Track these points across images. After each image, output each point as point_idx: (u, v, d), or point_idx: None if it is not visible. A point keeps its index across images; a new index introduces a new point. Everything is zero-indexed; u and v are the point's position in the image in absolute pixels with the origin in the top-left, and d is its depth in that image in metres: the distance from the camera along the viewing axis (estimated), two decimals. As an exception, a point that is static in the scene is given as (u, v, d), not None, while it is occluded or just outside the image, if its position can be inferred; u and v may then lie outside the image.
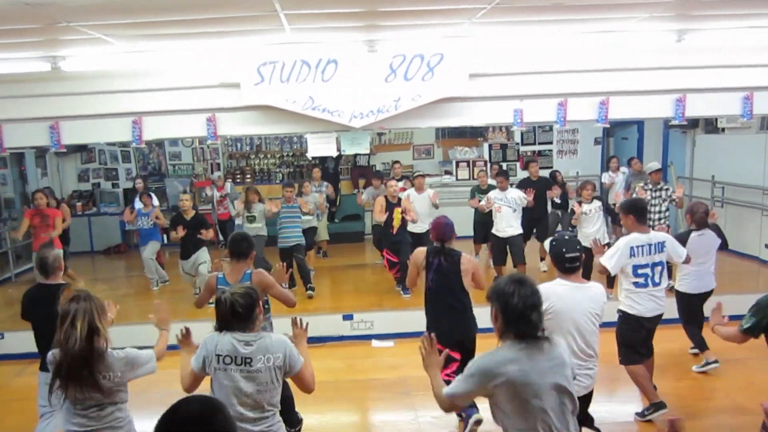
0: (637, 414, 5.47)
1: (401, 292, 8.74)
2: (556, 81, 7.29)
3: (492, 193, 9.00)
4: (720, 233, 6.41)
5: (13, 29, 5.30)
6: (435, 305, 5.17)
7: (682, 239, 5.99)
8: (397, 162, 11.26)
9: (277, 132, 10.80)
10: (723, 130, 10.92)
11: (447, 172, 13.36)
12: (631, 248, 5.15)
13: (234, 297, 3.33)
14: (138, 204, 10.07)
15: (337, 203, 12.96)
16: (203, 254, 8.79)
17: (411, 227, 8.95)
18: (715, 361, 6.24)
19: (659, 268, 5.23)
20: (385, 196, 8.85)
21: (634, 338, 5.30)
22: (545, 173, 10.85)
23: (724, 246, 6.48)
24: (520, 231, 8.92)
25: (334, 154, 8.16)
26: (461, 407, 3.36)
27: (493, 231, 9.04)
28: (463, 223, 10.53)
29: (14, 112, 7.13)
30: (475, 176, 10.70)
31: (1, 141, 7.28)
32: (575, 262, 4.05)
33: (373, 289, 9.10)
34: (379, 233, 9.88)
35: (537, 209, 9.72)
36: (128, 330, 7.23)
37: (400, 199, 8.76)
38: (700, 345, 6.32)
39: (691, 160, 11.80)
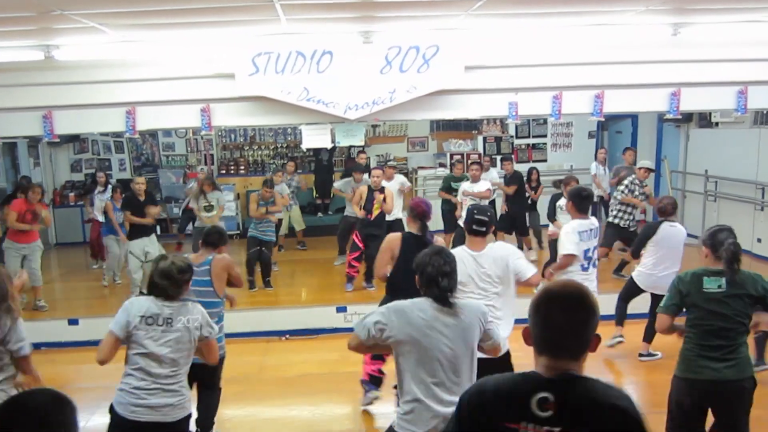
0: None
1: (364, 284, 8.79)
2: (551, 74, 7.29)
3: (464, 186, 9.24)
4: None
5: (7, 17, 5.26)
6: (408, 293, 5.09)
7: (653, 227, 6.30)
8: (362, 151, 11.53)
9: (271, 123, 10.78)
10: (717, 124, 10.93)
11: (441, 165, 13.35)
12: (579, 233, 5.40)
13: (174, 262, 3.60)
14: (98, 199, 10.07)
15: (331, 195, 12.95)
16: (153, 245, 8.67)
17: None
18: (621, 336, 6.52)
19: (595, 251, 5.53)
20: (369, 186, 8.88)
21: None
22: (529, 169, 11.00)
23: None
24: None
25: (329, 145, 8.13)
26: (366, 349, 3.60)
27: (460, 222, 8.91)
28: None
29: (7, 101, 7.07)
30: (468, 170, 10.73)
31: (-6, 130, 7.23)
32: (482, 225, 4.26)
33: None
34: (345, 226, 9.97)
35: (515, 204, 10.00)
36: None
37: (383, 188, 8.80)
38: (620, 318, 6.57)
39: (685, 155, 11.82)
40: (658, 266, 6.30)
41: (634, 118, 12.73)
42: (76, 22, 5.47)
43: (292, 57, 6.92)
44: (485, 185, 9.27)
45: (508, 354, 4.26)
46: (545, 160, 13.71)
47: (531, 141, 13.81)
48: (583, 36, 6.92)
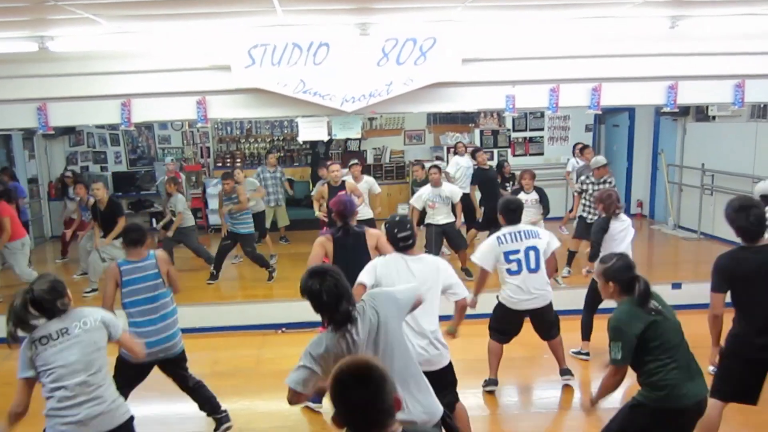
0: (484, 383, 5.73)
1: None
2: (548, 67, 7.26)
3: (426, 193, 8.80)
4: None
5: (0, 7, 5.22)
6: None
7: (602, 225, 6.13)
8: (355, 165, 10.98)
9: (267, 115, 10.72)
10: (713, 118, 10.94)
11: (438, 158, 13.33)
12: (497, 238, 5.42)
13: (40, 293, 3.39)
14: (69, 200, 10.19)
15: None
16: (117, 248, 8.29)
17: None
18: (587, 353, 6.37)
19: (533, 252, 5.35)
20: (327, 182, 8.69)
21: (499, 320, 5.61)
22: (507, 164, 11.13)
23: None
24: (454, 218, 8.82)
25: (325, 138, 8.10)
26: (307, 398, 3.42)
27: (427, 221, 8.88)
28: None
29: (1, 93, 7.02)
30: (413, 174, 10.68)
31: (-12, 122, 7.19)
32: (408, 240, 4.27)
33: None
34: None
35: (489, 202, 9.52)
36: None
37: (344, 182, 8.63)
38: (586, 331, 6.39)
39: (682, 148, 11.82)
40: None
41: (631, 111, 12.73)
42: (70, 12, 5.43)
43: (289, 49, 6.88)
44: (449, 189, 8.84)
45: (450, 365, 4.33)
46: (542, 154, 13.71)
47: (528, 134, 13.81)
48: (581, 29, 6.89)
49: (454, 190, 8.86)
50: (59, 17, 5.66)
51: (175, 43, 6.86)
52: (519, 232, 5.39)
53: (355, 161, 10.08)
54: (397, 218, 4.43)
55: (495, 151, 13.57)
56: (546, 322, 5.62)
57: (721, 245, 10.21)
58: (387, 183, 13.24)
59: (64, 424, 3.36)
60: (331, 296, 3.10)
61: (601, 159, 8.78)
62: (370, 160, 13.61)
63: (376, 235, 5.16)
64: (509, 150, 13.64)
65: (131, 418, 3.61)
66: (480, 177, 10.03)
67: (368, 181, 9.73)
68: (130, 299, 4.72)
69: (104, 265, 8.19)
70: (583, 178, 8.82)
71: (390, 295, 3.39)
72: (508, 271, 5.41)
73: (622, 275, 3.64)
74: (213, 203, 12.42)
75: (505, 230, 5.43)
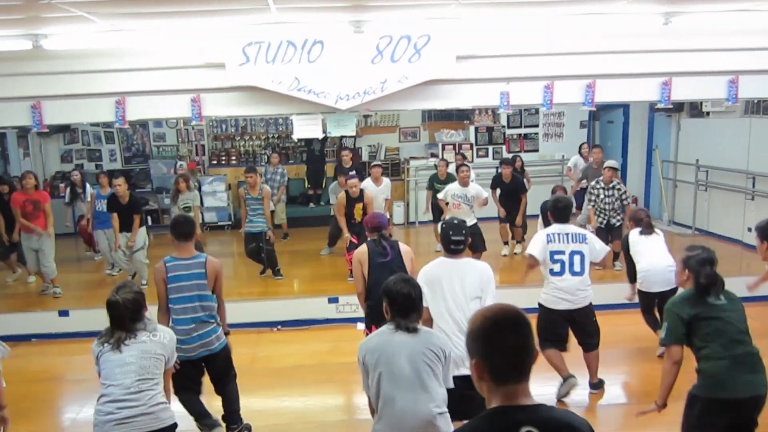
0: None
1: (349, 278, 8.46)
2: (542, 63, 7.28)
3: (453, 190, 8.85)
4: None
5: (-7, 6, 5.21)
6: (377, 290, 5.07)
7: (625, 241, 6.40)
8: (346, 148, 11.38)
9: (262, 113, 10.73)
10: (708, 114, 10.96)
11: (433, 155, 13.34)
12: (548, 235, 5.43)
13: (123, 303, 3.56)
14: (88, 189, 10.26)
15: (323, 186, 12.92)
16: (141, 238, 8.68)
17: None
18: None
19: (578, 257, 5.34)
20: (346, 191, 8.64)
21: (546, 327, 5.43)
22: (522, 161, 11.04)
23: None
24: (475, 220, 8.81)
25: (320, 136, 8.11)
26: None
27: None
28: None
29: (-5, 90, 7.02)
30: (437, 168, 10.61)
31: (-18, 121, 7.18)
32: (460, 245, 4.39)
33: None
34: (335, 222, 9.64)
35: (509, 200, 9.80)
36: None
37: (362, 192, 8.58)
38: (655, 327, 6.36)
39: (676, 144, 11.85)
40: (646, 267, 6.23)
41: (625, 107, 12.75)
42: (64, 11, 5.41)
43: (283, 47, 6.88)
44: (475, 189, 8.88)
45: None
46: (537, 150, 13.72)
47: (522, 131, 13.81)
48: (575, 25, 6.91)
49: (479, 191, 8.90)
50: (53, 15, 5.64)
51: (169, 41, 6.86)
52: (567, 234, 5.39)
53: (378, 162, 10.07)
54: (455, 221, 4.52)
55: (490, 147, 13.58)
56: (588, 326, 5.55)
57: (716, 241, 10.27)
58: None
59: (108, 422, 3.50)
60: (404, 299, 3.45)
61: (614, 162, 8.94)
62: (365, 158, 13.59)
63: (408, 249, 5.13)
64: (504, 147, 13.64)
65: (174, 425, 3.68)
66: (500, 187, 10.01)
67: (387, 184, 9.65)
68: (174, 296, 4.61)
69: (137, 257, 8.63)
70: (593, 183, 8.82)
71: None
72: (551, 271, 5.39)
73: (700, 267, 3.75)
74: (208, 201, 12.41)
75: (555, 229, 5.45)
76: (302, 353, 6.95)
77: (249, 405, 5.63)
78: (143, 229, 8.82)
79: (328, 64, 6.94)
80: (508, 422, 1.89)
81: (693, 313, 3.65)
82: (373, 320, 4.90)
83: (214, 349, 4.70)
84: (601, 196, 8.64)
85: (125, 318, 3.56)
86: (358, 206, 8.54)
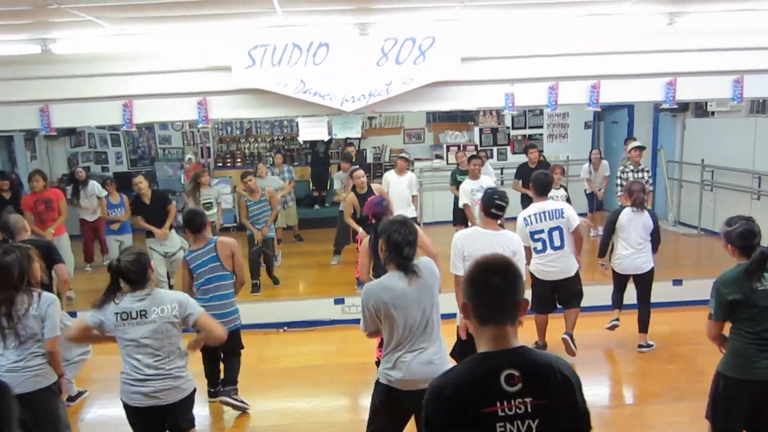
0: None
1: (357, 288, 8.12)
2: (547, 64, 7.30)
3: (469, 187, 8.81)
4: (655, 219, 6.49)
5: (3, 11, 5.25)
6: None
7: (615, 213, 6.45)
8: (350, 145, 11.42)
9: (268, 116, 10.75)
10: (713, 113, 10.96)
11: (438, 156, 13.37)
12: (524, 219, 5.90)
13: (124, 263, 3.69)
14: (83, 197, 9.76)
15: (327, 188, 12.95)
16: (175, 241, 8.41)
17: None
18: (617, 320, 6.53)
19: (557, 232, 5.78)
20: (353, 188, 8.40)
21: (534, 292, 6.08)
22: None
23: (655, 234, 6.43)
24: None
25: (326, 138, 8.14)
26: (377, 333, 3.80)
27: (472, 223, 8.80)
28: (448, 207, 10.62)
29: (3, 94, 7.07)
30: (456, 160, 10.74)
31: (-9, 124, 7.23)
32: (500, 210, 4.80)
33: (365, 273, 9.10)
34: (342, 224, 9.50)
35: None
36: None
37: (370, 188, 8.35)
38: (617, 302, 6.62)
39: (681, 144, 11.84)
40: (624, 255, 6.40)
41: (630, 108, 12.75)
42: (72, 15, 5.46)
43: (289, 49, 6.92)
44: (488, 181, 8.91)
45: None
46: (542, 151, 13.66)
47: (527, 132, 13.81)
48: (579, 26, 6.92)
49: (490, 181, 9.01)
50: (62, 20, 5.69)
51: (176, 45, 6.90)
52: (544, 212, 5.79)
53: (404, 154, 10.06)
54: (501, 190, 5.03)
55: (494, 149, 13.59)
56: (573, 291, 6.05)
57: (719, 240, 10.26)
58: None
59: (132, 393, 3.76)
60: (402, 238, 3.61)
61: (635, 141, 9.30)
62: (369, 159, 13.62)
63: (421, 237, 5.10)
64: (509, 148, 13.65)
65: (190, 395, 3.93)
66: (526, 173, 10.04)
67: (412, 178, 9.47)
68: (197, 282, 5.31)
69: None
70: (621, 168, 8.95)
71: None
72: (535, 249, 5.90)
73: (740, 241, 3.78)
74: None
75: (531, 210, 5.84)
76: (309, 354, 6.98)
77: (256, 405, 5.69)
78: (174, 234, 8.48)
79: (333, 67, 6.98)
80: (489, 367, 2.01)
81: (736, 298, 3.65)
82: None
83: (229, 328, 5.08)
84: (631, 178, 8.41)
85: (130, 279, 3.74)
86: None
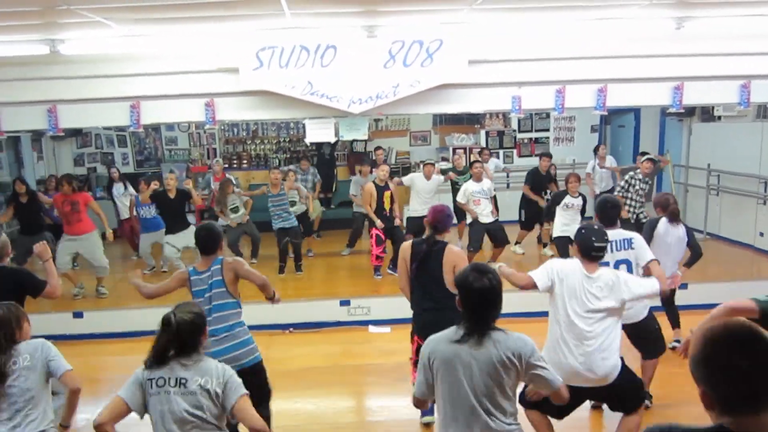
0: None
1: (389, 270, 8.91)
2: (554, 68, 7.31)
3: (470, 188, 9.05)
4: (691, 235, 6.13)
5: (12, 12, 5.29)
6: (416, 297, 4.89)
7: (651, 225, 5.96)
8: (379, 148, 11.35)
9: (275, 117, 10.75)
10: (719, 118, 10.94)
11: (444, 159, 13.36)
12: None
13: (180, 319, 3.12)
14: (118, 199, 10.77)
15: (333, 189, 12.97)
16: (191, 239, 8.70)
17: (411, 212, 9.44)
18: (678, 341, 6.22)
19: (623, 266, 4.78)
20: (374, 181, 9.00)
21: None
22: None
23: (694, 251, 6.13)
24: (497, 216, 9.23)
25: (333, 139, 8.17)
26: (429, 401, 3.15)
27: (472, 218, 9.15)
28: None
29: (12, 95, 7.11)
30: (453, 162, 11.04)
31: (-1, 124, 7.25)
32: (601, 252, 4.11)
33: (370, 275, 9.12)
34: (359, 222, 10.20)
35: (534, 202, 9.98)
36: (122, 314, 7.34)
37: (387, 183, 8.95)
38: (674, 320, 6.45)
39: (687, 149, 11.82)
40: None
41: (636, 112, 12.73)
42: (81, 16, 5.49)
43: (296, 51, 6.94)
44: (488, 183, 9.23)
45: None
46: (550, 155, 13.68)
47: (534, 135, 13.80)
48: (587, 30, 6.93)
49: (491, 185, 9.29)
50: (70, 21, 5.73)
51: (184, 46, 6.94)
52: (612, 243, 4.70)
53: (430, 160, 10.35)
54: (596, 227, 4.25)
55: (501, 152, 13.59)
56: (648, 339, 5.25)
57: (726, 245, 10.25)
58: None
59: None
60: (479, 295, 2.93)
61: (649, 153, 9.25)
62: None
63: (457, 256, 4.76)
64: (515, 151, 13.65)
65: None
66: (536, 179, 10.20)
67: (436, 180, 9.78)
68: None
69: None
70: (632, 173, 8.79)
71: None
72: None
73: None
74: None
75: None
76: (314, 355, 6.98)
77: (262, 406, 5.67)
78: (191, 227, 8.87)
79: (341, 69, 7.00)
80: None
81: None
82: (415, 328, 4.85)
83: (241, 365, 4.25)
84: (637, 186, 8.49)
85: (181, 342, 3.13)
86: (387, 194, 8.83)
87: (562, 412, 4.15)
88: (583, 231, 4.22)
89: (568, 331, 4.05)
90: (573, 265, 4.14)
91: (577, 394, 3.88)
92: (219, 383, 3.10)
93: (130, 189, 10.78)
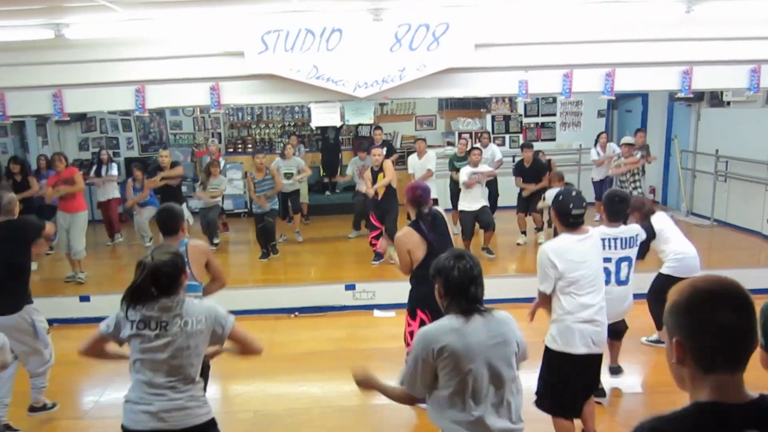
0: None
1: (373, 261, 9.03)
2: (561, 52, 7.23)
3: (468, 171, 9.18)
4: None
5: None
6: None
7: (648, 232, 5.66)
8: (378, 128, 11.29)
9: (281, 101, 10.79)
10: (728, 103, 10.85)
11: (449, 143, 13.32)
12: (602, 240, 4.54)
13: (158, 262, 3.06)
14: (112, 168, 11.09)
15: (338, 174, 12.95)
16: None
17: None
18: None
19: (625, 264, 4.76)
20: (372, 167, 9.17)
21: None
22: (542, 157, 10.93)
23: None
24: (486, 203, 9.30)
25: (338, 124, 8.15)
26: (420, 396, 3.03)
27: (461, 207, 9.26)
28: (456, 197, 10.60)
29: (17, 79, 7.08)
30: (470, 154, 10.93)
31: (4, 109, 7.23)
32: (579, 218, 4.02)
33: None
34: (360, 204, 10.25)
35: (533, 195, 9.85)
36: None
37: (382, 165, 9.05)
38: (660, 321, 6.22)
39: (696, 134, 11.74)
40: (683, 250, 5.89)
41: (644, 96, 12.66)
42: (86, 0, 5.47)
43: (302, 35, 6.90)
44: (485, 167, 9.41)
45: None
46: (554, 139, 13.65)
47: (540, 120, 13.74)
48: (595, 13, 6.86)
49: (488, 168, 9.57)
50: (75, 5, 5.71)
51: (189, 30, 6.90)
52: (617, 240, 4.71)
53: (422, 137, 10.77)
54: (573, 192, 4.13)
55: (507, 136, 13.54)
56: (620, 330, 5.37)
57: (734, 232, 10.21)
58: (398, 168, 13.21)
59: (137, 413, 3.11)
60: (462, 276, 2.84)
61: (628, 137, 9.89)
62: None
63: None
64: (521, 135, 13.58)
65: (212, 420, 3.27)
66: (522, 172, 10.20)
67: (429, 156, 10.06)
68: None
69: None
70: (616, 160, 9.18)
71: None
72: None
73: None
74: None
75: (606, 232, 4.71)
76: (319, 339, 7.00)
77: (267, 389, 5.72)
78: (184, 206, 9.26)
79: (346, 52, 6.95)
80: (720, 422, 1.56)
81: None
82: (419, 303, 4.96)
83: None
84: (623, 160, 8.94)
85: (161, 283, 3.07)
86: (380, 176, 8.98)
87: (576, 407, 4.20)
88: (560, 197, 4.09)
89: (580, 293, 4.01)
90: (561, 241, 4.08)
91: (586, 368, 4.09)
92: (199, 321, 3.10)
93: (114, 170, 11.07)
